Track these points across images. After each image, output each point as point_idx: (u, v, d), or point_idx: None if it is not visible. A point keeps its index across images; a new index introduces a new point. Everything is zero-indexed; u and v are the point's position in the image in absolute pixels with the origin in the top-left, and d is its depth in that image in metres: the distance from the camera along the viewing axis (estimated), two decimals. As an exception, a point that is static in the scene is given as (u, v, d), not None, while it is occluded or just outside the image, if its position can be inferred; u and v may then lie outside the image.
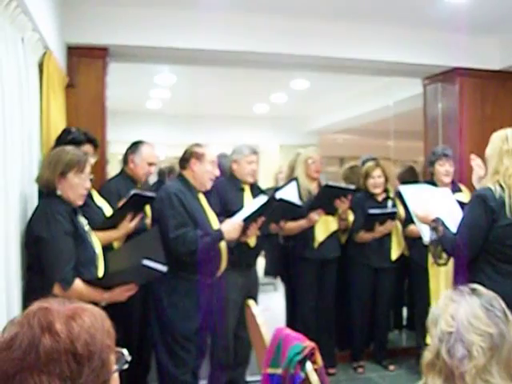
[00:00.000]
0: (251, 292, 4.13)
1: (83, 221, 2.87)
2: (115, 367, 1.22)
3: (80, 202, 2.81)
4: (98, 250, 2.90)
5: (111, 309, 3.16)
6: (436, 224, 3.14)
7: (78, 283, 2.63)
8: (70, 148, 2.85)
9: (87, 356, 1.12)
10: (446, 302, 1.51)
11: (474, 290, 1.51)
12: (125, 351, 1.26)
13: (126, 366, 1.26)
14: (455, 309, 1.46)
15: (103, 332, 1.18)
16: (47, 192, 2.74)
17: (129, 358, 1.26)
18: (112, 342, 1.20)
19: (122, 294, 2.77)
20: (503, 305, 1.49)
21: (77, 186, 2.74)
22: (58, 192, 2.71)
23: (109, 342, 1.19)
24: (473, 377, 1.39)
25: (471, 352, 1.40)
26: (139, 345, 3.97)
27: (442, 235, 3.09)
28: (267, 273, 5.10)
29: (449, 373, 1.43)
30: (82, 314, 1.17)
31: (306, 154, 4.82)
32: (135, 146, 4.08)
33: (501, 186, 2.91)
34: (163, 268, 2.78)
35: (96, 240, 2.94)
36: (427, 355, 1.50)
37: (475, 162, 3.62)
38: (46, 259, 2.62)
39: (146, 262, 2.65)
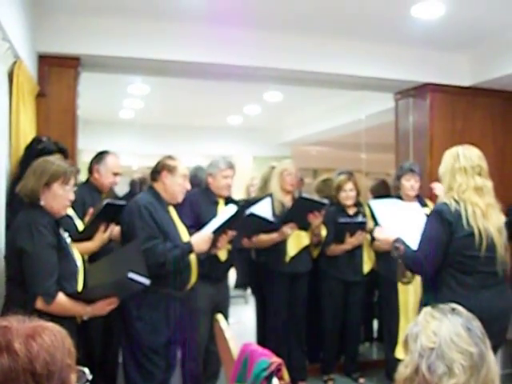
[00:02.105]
0: (221, 305, 4.12)
1: (64, 233, 2.84)
2: None
3: (63, 213, 2.80)
4: (80, 262, 2.87)
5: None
6: (397, 244, 3.20)
7: (61, 297, 2.60)
8: (55, 158, 2.83)
9: (46, 375, 1.11)
10: (426, 318, 1.50)
11: (454, 310, 1.52)
12: (86, 370, 1.25)
13: (87, 385, 1.25)
14: (437, 326, 1.46)
15: (63, 351, 1.17)
16: (30, 202, 2.69)
17: (90, 377, 1.25)
18: (72, 360, 1.19)
19: (103, 307, 2.75)
20: (481, 326, 1.50)
21: (60, 198, 2.72)
22: (42, 202, 2.67)
23: (69, 360, 1.17)
24: None
25: (452, 369, 1.39)
26: (103, 358, 3.92)
27: (402, 254, 3.14)
28: (237, 285, 5.08)
29: None
30: (42, 333, 1.15)
31: (282, 166, 4.81)
32: (100, 155, 4.06)
33: (456, 201, 3.00)
34: (146, 281, 2.76)
35: (77, 253, 2.91)
36: (404, 370, 1.48)
37: (438, 189, 3.80)
38: (28, 272, 2.58)
39: (131, 275, 2.63)
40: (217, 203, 4.23)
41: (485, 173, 3.09)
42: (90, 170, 4.07)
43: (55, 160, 2.79)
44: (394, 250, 3.19)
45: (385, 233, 3.34)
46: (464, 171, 3.04)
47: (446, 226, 2.97)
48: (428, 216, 3.13)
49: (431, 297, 3.06)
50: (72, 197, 2.80)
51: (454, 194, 3.02)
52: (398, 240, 3.20)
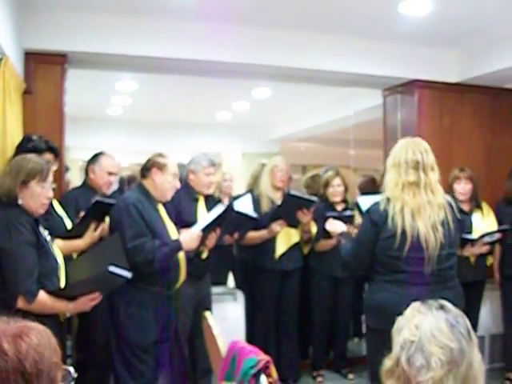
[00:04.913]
0: (203, 303, 4.12)
1: (44, 231, 2.82)
2: None
3: (42, 212, 2.75)
4: (60, 260, 2.85)
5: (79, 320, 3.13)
6: (340, 237, 3.34)
7: (43, 295, 2.57)
8: (31, 156, 2.78)
9: (36, 374, 1.12)
10: (412, 312, 1.52)
11: (442, 306, 1.53)
12: (71, 369, 1.26)
13: (72, 384, 1.26)
14: (421, 320, 1.47)
15: (50, 350, 1.17)
16: (7, 201, 2.65)
17: (75, 376, 1.26)
18: (59, 359, 1.20)
19: (86, 303, 2.73)
20: (468, 323, 1.51)
21: (38, 196, 2.68)
22: (20, 201, 2.63)
23: (56, 359, 1.18)
24: None
25: (430, 363, 1.40)
26: (101, 355, 3.91)
27: (341, 248, 3.28)
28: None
29: (406, 381, 1.44)
30: (29, 333, 1.16)
31: (273, 162, 4.82)
32: (95, 156, 4.11)
33: (389, 198, 2.98)
34: (128, 274, 2.75)
35: (57, 250, 2.89)
36: (387, 362, 1.50)
37: None
38: (8, 271, 2.55)
39: (112, 269, 2.62)
40: (197, 200, 4.21)
41: (424, 167, 2.98)
42: (86, 172, 4.12)
43: (32, 157, 2.75)
44: (339, 243, 3.31)
45: (334, 225, 3.49)
46: (398, 166, 2.99)
47: (372, 226, 3.00)
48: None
49: (368, 292, 3.16)
50: (51, 194, 2.77)
51: (387, 191, 3.01)
52: (342, 233, 3.33)
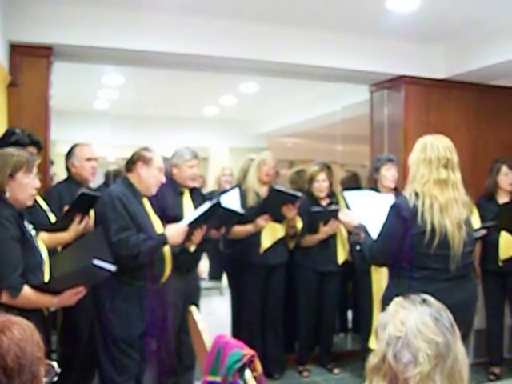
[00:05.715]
0: (192, 296, 4.12)
1: (29, 225, 2.80)
2: (45, 380, 1.21)
3: (30, 203, 2.75)
4: (45, 254, 2.83)
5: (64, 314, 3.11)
6: (358, 230, 3.27)
7: (27, 290, 2.55)
8: (12, 149, 2.77)
9: (17, 369, 1.11)
10: (396, 308, 1.53)
11: (424, 300, 1.53)
12: (55, 364, 1.25)
13: (55, 379, 1.25)
14: (405, 315, 1.48)
15: (33, 344, 1.17)
16: None
17: (58, 370, 1.25)
18: (42, 354, 1.19)
19: (71, 297, 2.71)
20: (451, 317, 1.51)
21: (26, 186, 2.67)
22: (7, 194, 2.62)
23: (39, 354, 1.18)
24: (416, 383, 1.41)
25: (417, 358, 1.41)
26: (86, 349, 3.90)
27: (362, 241, 3.23)
28: (212, 276, 5.04)
29: (393, 377, 1.45)
30: (11, 327, 1.15)
31: (261, 157, 4.83)
32: (70, 151, 4.07)
33: (416, 193, 2.97)
34: (112, 267, 2.73)
35: (42, 244, 2.88)
36: (373, 359, 1.51)
37: None
38: None
39: (97, 262, 2.60)
40: (182, 194, 4.20)
41: (452, 165, 3.00)
42: (67, 167, 4.08)
43: (13, 151, 2.74)
44: (353, 235, 3.26)
45: (349, 216, 3.42)
46: (429, 162, 2.98)
47: (401, 222, 2.97)
48: (389, 209, 3.09)
49: (390, 288, 3.12)
50: (38, 184, 2.77)
51: (415, 186, 3.00)
52: (359, 226, 3.27)
